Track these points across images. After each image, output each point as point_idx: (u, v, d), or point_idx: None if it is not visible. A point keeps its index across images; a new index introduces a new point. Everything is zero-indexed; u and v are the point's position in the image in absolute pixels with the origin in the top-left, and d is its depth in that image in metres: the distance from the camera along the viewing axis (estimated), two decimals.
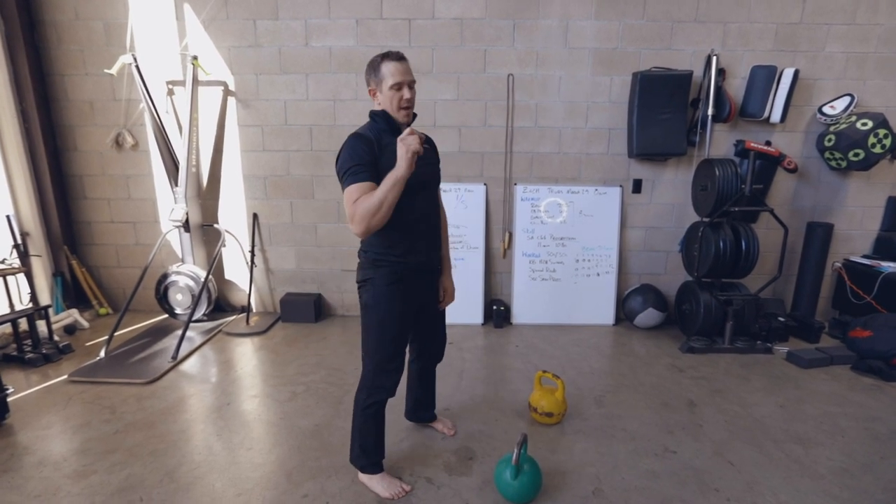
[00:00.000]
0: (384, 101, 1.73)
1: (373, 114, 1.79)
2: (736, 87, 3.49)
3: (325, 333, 3.55)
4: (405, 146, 1.56)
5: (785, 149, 3.53)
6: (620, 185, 3.65)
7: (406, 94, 1.70)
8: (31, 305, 3.46)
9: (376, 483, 1.92)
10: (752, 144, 3.38)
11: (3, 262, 3.31)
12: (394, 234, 1.74)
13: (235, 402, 2.63)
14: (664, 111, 3.38)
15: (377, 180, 1.63)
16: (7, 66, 3.42)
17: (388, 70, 1.68)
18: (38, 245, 3.65)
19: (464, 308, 3.69)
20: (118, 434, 2.32)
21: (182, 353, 3.13)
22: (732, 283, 3.41)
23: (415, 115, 1.80)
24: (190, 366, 3.06)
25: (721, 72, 3.42)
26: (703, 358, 3.21)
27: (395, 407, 2.48)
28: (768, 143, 3.52)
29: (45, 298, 3.67)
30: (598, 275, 3.72)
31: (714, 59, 3.34)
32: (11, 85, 3.45)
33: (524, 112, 3.56)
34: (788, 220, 3.43)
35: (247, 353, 3.25)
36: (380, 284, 1.78)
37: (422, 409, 2.33)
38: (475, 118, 3.58)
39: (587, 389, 2.78)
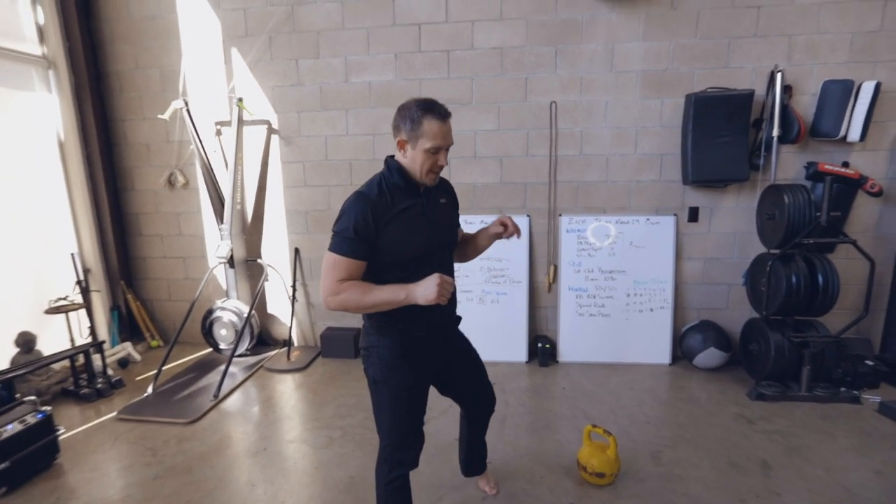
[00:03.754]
0: (413, 158, 1.50)
1: (389, 164, 1.56)
2: (805, 105, 3.17)
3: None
4: (436, 291, 1.39)
5: (865, 170, 3.15)
6: (675, 214, 3.39)
7: (442, 159, 1.51)
8: (90, 339, 3.62)
9: None
10: (827, 167, 3.05)
11: (65, 298, 3.48)
12: (402, 306, 1.51)
13: (273, 446, 2.58)
14: (722, 134, 3.11)
15: (369, 257, 1.49)
16: (76, 115, 3.67)
17: (430, 130, 1.45)
18: (97, 280, 3.84)
19: (506, 345, 3.52)
20: (157, 480, 2.31)
21: (224, 390, 3.14)
22: (808, 322, 3.04)
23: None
24: (231, 404, 3.06)
25: (787, 89, 3.12)
26: (775, 407, 2.86)
27: (434, 458, 2.35)
28: (846, 165, 3.16)
29: (102, 332, 3.83)
30: (652, 310, 3.44)
31: (779, 75, 3.05)
32: (79, 132, 3.69)
33: (568, 140, 3.40)
34: (873, 250, 3.04)
35: (286, 392, 3.22)
36: (385, 357, 1.58)
37: (472, 462, 2.13)
38: (517, 148, 3.45)
39: (642, 443, 2.52)
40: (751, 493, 2.13)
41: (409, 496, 1.76)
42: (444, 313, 1.68)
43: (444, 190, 1.73)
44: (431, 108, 1.47)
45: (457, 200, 1.81)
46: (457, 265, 1.82)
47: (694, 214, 3.38)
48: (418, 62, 3.42)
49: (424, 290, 1.42)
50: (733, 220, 3.35)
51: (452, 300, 1.74)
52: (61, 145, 3.66)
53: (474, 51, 3.36)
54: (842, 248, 3.23)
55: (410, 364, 1.61)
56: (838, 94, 3.06)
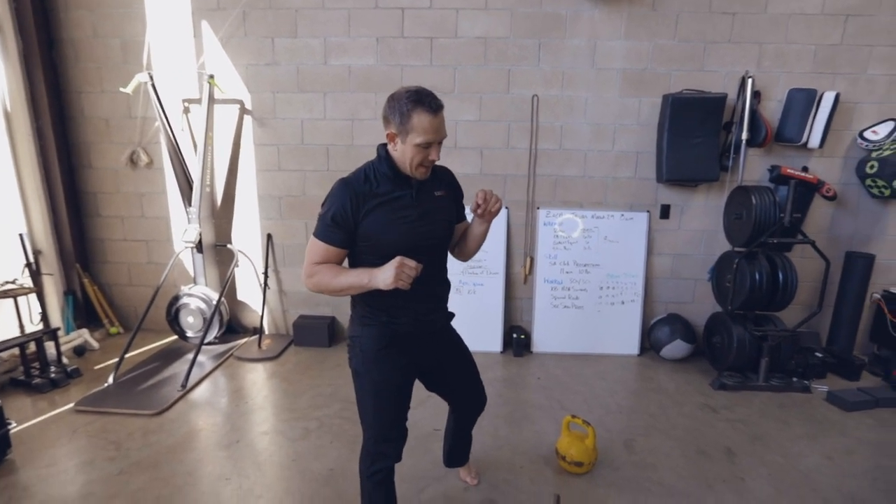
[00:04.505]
0: (403, 152, 1.41)
1: (380, 152, 1.49)
2: (771, 111, 3.29)
3: (340, 360, 3.38)
4: (396, 274, 1.32)
5: (823, 175, 3.31)
6: (648, 211, 3.46)
7: (433, 154, 1.41)
8: (41, 326, 3.35)
9: None
10: (789, 170, 3.19)
11: (13, 282, 3.20)
12: (384, 296, 1.43)
13: (245, 438, 2.47)
14: (696, 135, 3.19)
15: (348, 245, 1.45)
16: (24, 83, 3.34)
17: (420, 124, 1.35)
18: (50, 263, 3.55)
19: (482, 335, 3.51)
20: (122, 475, 2.17)
21: (192, 379, 2.98)
22: (766, 316, 3.19)
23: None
24: (199, 394, 2.91)
25: (756, 94, 3.22)
26: (736, 396, 2.99)
27: (415, 450, 2.31)
28: (805, 169, 3.31)
29: (56, 318, 3.56)
30: (623, 303, 3.52)
31: (749, 81, 3.14)
32: (28, 103, 3.37)
33: (549, 134, 3.39)
34: (826, 250, 3.19)
35: (258, 381, 3.10)
36: (368, 348, 1.53)
37: (455, 455, 2.11)
38: (498, 140, 3.41)
39: (616, 432, 2.58)
40: (718, 479, 2.21)
41: (392, 489, 1.70)
42: (431, 307, 1.62)
43: (443, 181, 1.62)
44: (422, 101, 1.36)
45: (459, 191, 1.70)
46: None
47: (665, 211, 3.46)
48: (400, 48, 3.31)
49: (383, 274, 1.35)
50: (702, 218, 3.46)
51: (444, 294, 1.69)
52: (7, 116, 3.33)
53: (458, 39, 3.28)
54: (797, 248, 3.38)
55: (393, 357, 1.55)
56: (802, 101, 3.19)
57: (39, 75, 3.39)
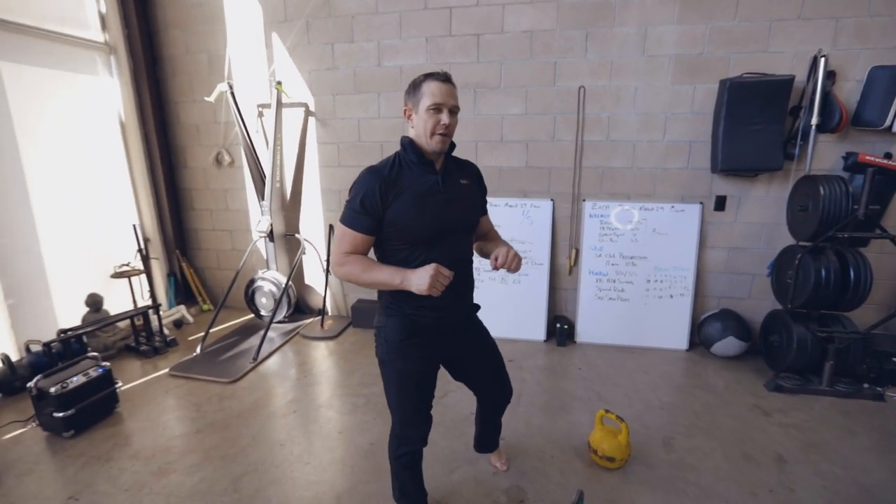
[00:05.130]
0: (418, 124, 1.39)
1: (403, 141, 1.45)
2: (847, 92, 2.80)
3: None
4: (431, 282, 1.28)
5: None
6: (701, 202, 3.12)
7: (444, 118, 1.37)
8: (150, 302, 3.72)
9: None
10: (868, 157, 2.70)
11: (128, 265, 3.57)
12: (409, 299, 1.41)
13: (302, 409, 2.58)
14: (756, 122, 2.80)
15: (375, 231, 1.40)
16: (134, 97, 3.68)
17: (429, 89, 1.36)
18: (156, 249, 3.92)
19: (526, 324, 3.39)
20: (199, 434, 2.35)
21: (262, 353, 3.17)
22: (833, 316, 2.77)
23: (453, 146, 1.46)
24: (268, 367, 3.09)
25: (830, 74, 2.76)
26: (793, 400, 2.63)
27: (450, 432, 2.29)
28: (889, 156, 2.79)
29: (160, 295, 3.94)
30: (672, 297, 3.22)
31: (822, 60, 2.69)
32: (137, 113, 3.71)
33: (595, 125, 3.15)
34: None
35: (318, 358, 3.22)
36: (392, 338, 1.48)
37: (483, 442, 2.05)
38: (543, 132, 3.23)
39: (655, 428, 2.37)
40: (763, 486, 1.96)
41: (418, 471, 1.70)
42: (455, 300, 1.53)
43: (467, 172, 1.57)
44: (432, 73, 1.40)
45: (483, 185, 1.64)
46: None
47: (721, 203, 3.09)
48: (448, 46, 3.22)
49: (418, 279, 1.32)
50: (762, 210, 3.05)
51: (468, 288, 1.61)
52: (122, 125, 3.69)
53: (504, 34, 3.12)
54: (875, 243, 2.89)
55: (416, 348, 1.50)
56: (887, 80, 2.68)
57: (146, 89, 3.71)
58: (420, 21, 3.20)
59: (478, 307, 1.68)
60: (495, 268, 1.48)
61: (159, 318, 3.42)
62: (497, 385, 1.79)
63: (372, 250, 1.49)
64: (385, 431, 2.32)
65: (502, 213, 3.32)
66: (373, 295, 3.77)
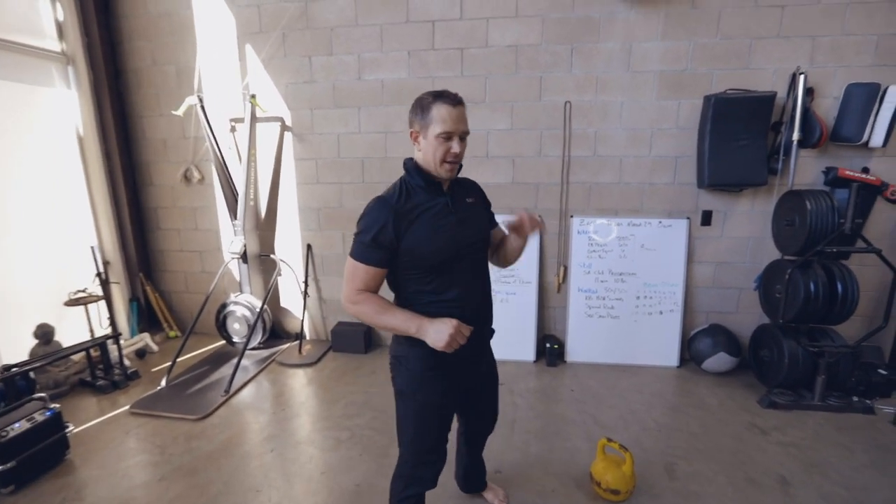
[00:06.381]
0: (426, 149, 1.32)
1: (407, 165, 1.37)
2: (826, 109, 2.86)
3: (375, 367, 3.24)
4: (450, 340, 1.24)
5: (886, 176, 2.84)
6: (688, 217, 3.10)
7: (455, 146, 1.29)
8: (109, 331, 3.42)
9: None
10: (848, 172, 2.76)
11: (84, 290, 3.28)
12: (433, 316, 1.32)
13: (280, 447, 2.36)
14: (741, 137, 2.81)
15: (388, 264, 1.31)
16: (94, 111, 3.43)
17: (439, 114, 1.27)
18: (117, 272, 3.63)
19: (515, 344, 3.28)
20: (163, 481, 2.11)
21: (235, 384, 2.93)
22: (821, 329, 2.76)
23: (460, 167, 1.38)
24: (241, 399, 2.85)
25: (809, 91, 2.80)
26: (788, 416, 2.59)
27: (444, 471, 2.12)
28: (866, 171, 2.85)
29: (122, 323, 3.64)
30: (661, 313, 3.17)
31: (801, 77, 2.73)
32: (98, 128, 3.45)
33: (582, 141, 3.10)
34: (889, 258, 2.73)
35: (296, 387, 3.01)
36: (415, 369, 1.39)
37: (471, 479, 1.94)
38: (530, 148, 3.16)
39: (655, 453, 2.27)
40: None
41: None
42: (480, 324, 1.44)
43: (470, 190, 1.50)
44: (442, 94, 1.31)
45: (487, 200, 1.57)
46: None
47: (707, 218, 3.08)
48: (431, 60, 3.13)
49: (436, 333, 1.24)
50: (747, 224, 3.06)
51: (489, 309, 1.50)
52: (81, 140, 3.43)
53: (488, 49, 3.06)
54: (855, 256, 2.92)
55: (441, 379, 1.41)
56: (863, 97, 2.74)
57: (107, 103, 3.47)
58: (402, 34, 3.11)
59: (493, 332, 1.58)
60: (516, 228, 1.41)
61: (119, 349, 3.14)
62: (491, 410, 1.74)
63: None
64: (372, 469, 2.15)
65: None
66: (354, 318, 3.59)
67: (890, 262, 2.50)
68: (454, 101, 1.29)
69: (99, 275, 3.42)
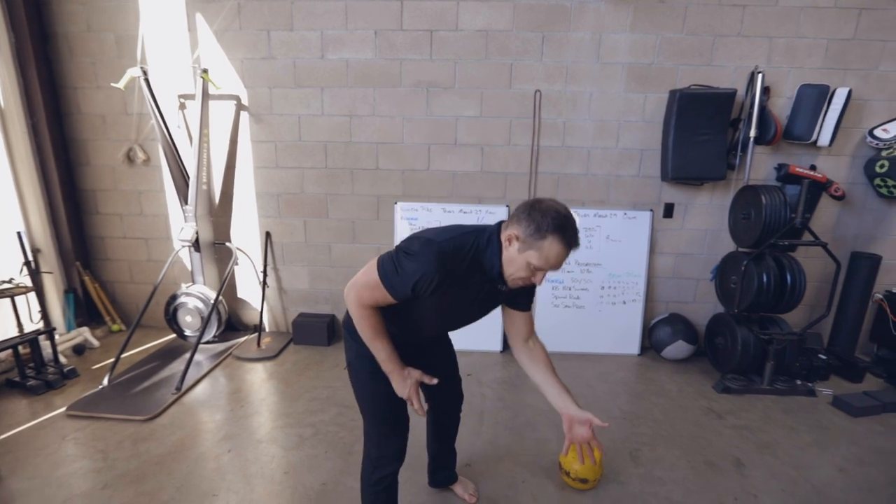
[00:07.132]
0: (513, 259, 1.21)
1: (492, 239, 1.24)
2: (781, 107, 2.98)
3: (338, 359, 3.13)
4: (406, 395, 1.35)
5: (830, 174, 3.01)
6: (651, 210, 3.17)
7: (539, 280, 1.23)
8: (41, 325, 3.10)
9: None
10: (798, 169, 2.90)
11: (10, 281, 2.94)
12: (390, 327, 1.35)
13: (238, 448, 2.23)
14: (703, 132, 2.89)
15: (406, 302, 1.29)
16: (17, 79, 3.04)
17: (551, 250, 1.16)
18: (49, 261, 3.28)
19: (482, 335, 3.24)
20: (106, 490, 1.93)
21: (188, 381, 2.74)
22: (770, 318, 2.92)
23: None
24: (194, 398, 2.67)
25: (766, 90, 2.91)
26: (740, 400, 2.73)
27: (410, 465, 2.07)
28: (813, 168, 3.01)
29: (56, 315, 3.31)
30: (625, 303, 3.25)
31: (759, 76, 2.83)
32: (22, 99, 3.07)
33: (551, 130, 3.09)
34: (832, 250, 2.93)
35: (255, 383, 2.85)
36: (364, 346, 1.37)
37: (440, 469, 1.91)
38: (499, 136, 3.12)
39: (620, 440, 2.33)
40: (729, 495, 1.97)
41: (395, 498, 1.56)
42: (423, 348, 1.55)
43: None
44: (565, 230, 1.16)
45: (532, 291, 1.48)
46: None
47: (669, 210, 3.17)
48: (399, 41, 3.00)
49: (396, 383, 1.35)
50: (706, 217, 3.17)
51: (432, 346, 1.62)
52: (1, 113, 3.04)
53: (459, 32, 2.97)
54: (801, 249, 3.10)
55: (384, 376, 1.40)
56: (814, 98, 2.88)
57: (33, 71, 3.09)
58: (368, 11, 2.95)
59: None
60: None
61: (53, 345, 2.85)
62: (454, 385, 1.76)
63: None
64: (338, 467, 2.07)
65: (457, 220, 3.16)
66: (316, 309, 3.46)
67: (834, 255, 2.66)
68: (570, 243, 1.18)
69: (27, 263, 3.08)
